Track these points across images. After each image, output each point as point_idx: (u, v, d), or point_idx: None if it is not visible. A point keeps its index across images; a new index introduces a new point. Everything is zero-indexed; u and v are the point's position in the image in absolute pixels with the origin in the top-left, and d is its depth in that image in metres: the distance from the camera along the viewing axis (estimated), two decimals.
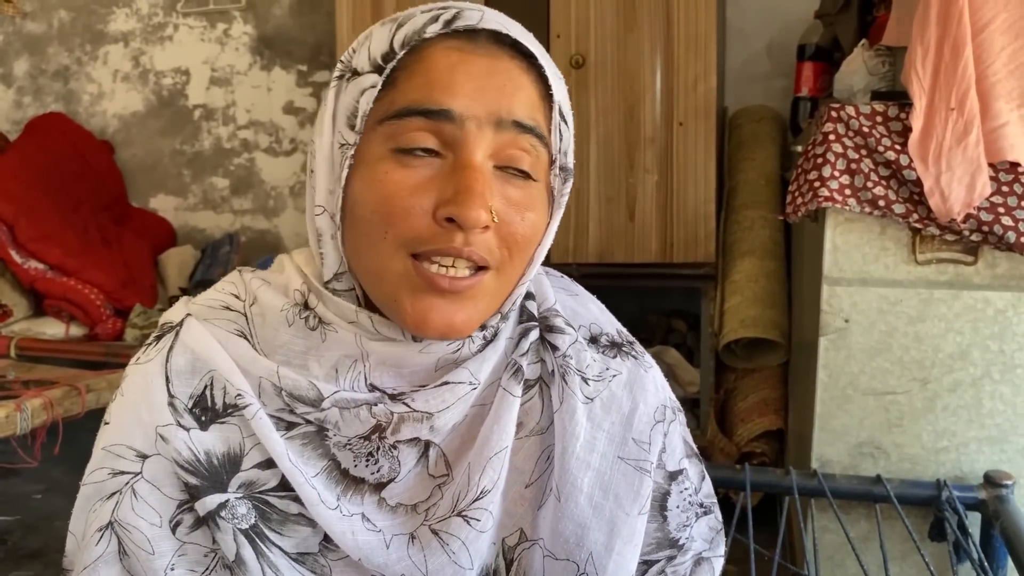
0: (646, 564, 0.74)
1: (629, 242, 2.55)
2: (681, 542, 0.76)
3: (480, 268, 0.65)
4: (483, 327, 0.70)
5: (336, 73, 0.68)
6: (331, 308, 0.68)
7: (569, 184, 0.71)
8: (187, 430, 0.67)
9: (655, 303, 3.01)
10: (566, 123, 0.70)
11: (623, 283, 2.66)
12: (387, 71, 0.64)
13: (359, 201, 0.65)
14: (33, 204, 2.97)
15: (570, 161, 0.71)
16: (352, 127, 0.65)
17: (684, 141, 2.48)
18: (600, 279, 2.55)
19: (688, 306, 2.91)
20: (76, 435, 1.93)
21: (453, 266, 0.64)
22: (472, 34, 0.64)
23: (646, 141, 2.51)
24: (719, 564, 0.79)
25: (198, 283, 3.15)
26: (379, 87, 0.64)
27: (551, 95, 0.68)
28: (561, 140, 0.69)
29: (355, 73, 0.66)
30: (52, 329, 2.95)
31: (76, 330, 2.96)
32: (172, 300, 3.16)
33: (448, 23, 0.64)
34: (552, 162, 0.69)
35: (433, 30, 0.64)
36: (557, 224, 0.71)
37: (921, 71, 1.49)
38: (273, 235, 3.49)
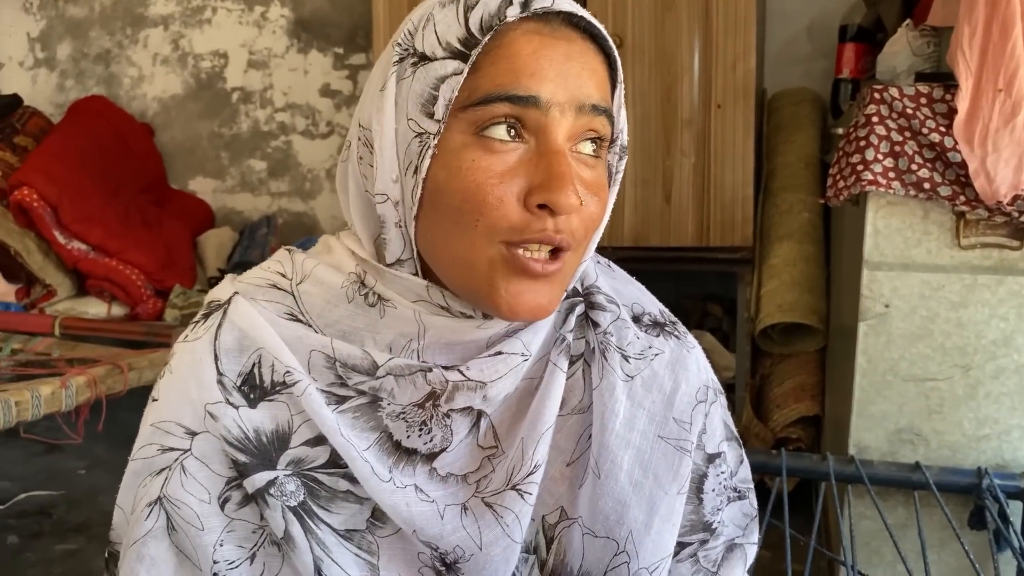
0: (679, 545, 0.74)
1: (665, 225, 2.53)
2: (714, 526, 0.76)
3: (559, 249, 0.65)
4: None
5: (394, 56, 0.66)
6: (393, 286, 0.68)
7: (624, 161, 0.72)
8: (236, 408, 0.67)
9: (691, 287, 2.99)
10: (623, 103, 0.71)
11: (658, 267, 2.64)
12: (472, 57, 0.63)
13: (443, 190, 0.64)
14: (76, 186, 3.02)
15: (626, 138, 0.72)
16: (430, 115, 0.64)
17: (722, 123, 2.45)
18: (635, 263, 2.52)
19: (724, 291, 2.89)
20: (118, 413, 1.97)
21: (539, 249, 0.64)
22: (547, 17, 0.64)
23: (683, 123, 2.48)
24: (752, 551, 0.78)
25: (236, 264, 3.19)
26: (463, 73, 0.63)
27: (614, 75, 0.68)
28: (620, 120, 0.70)
29: (424, 58, 0.65)
30: (94, 308, 3.00)
31: (117, 310, 3.01)
32: (211, 281, 3.20)
33: (525, 5, 0.63)
34: (613, 141, 0.69)
35: (512, 13, 0.63)
36: (613, 201, 0.72)
37: (968, 51, 1.46)
38: (310, 217, 3.52)
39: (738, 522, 0.78)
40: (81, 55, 3.75)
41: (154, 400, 0.70)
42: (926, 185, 1.50)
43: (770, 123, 2.69)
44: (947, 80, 1.52)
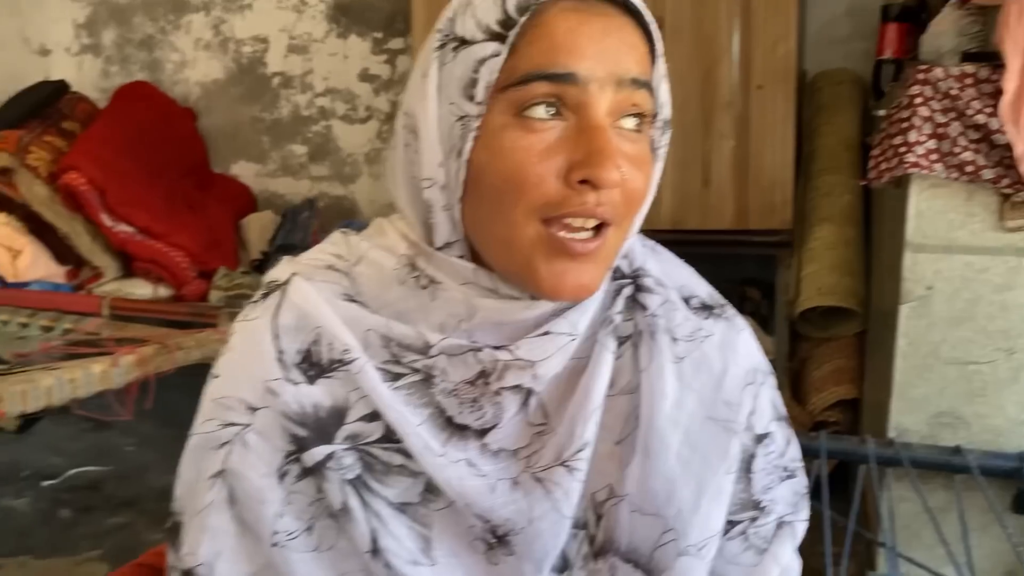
0: (730, 524, 0.75)
1: (704, 208, 2.52)
2: (763, 504, 0.76)
3: (602, 226, 0.66)
4: None
5: (435, 43, 0.68)
6: (442, 269, 0.70)
7: (667, 136, 0.72)
8: (295, 384, 0.70)
9: (729, 271, 2.97)
10: (665, 76, 0.71)
11: (696, 250, 2.60)
12: (510, 39, 0.64)
13: (485, 172, 0.65)
14: (122, 170, 3.08)
15: (668, 113, 0.72)
16: (471, 98, 0.65)
17: (762, 105, 2.44)
18: (673, 246, 2.50)
19: (763, 274, 2.88)
20: (165, 391, 2.02)
21: (582, 228, 0.65)
22: None
23: (723, 105, 2.47)
24: (802, 528, 0.79)
25: (279, 247, 3.23)
26: (503, 55, 0.64)
27: (654, 49, 0.69)
28: (662, 94, 0.70)
29: (463, 42, 0.66)
30: (141, 290, 3.06)
31: (163, 291, 3.07)
32: (254, 263, 3.25)
33: None
34: (655, 115, 0.70)
35: None
36: (658, 177, 0.72)
37: (1016, 30, 1.44)
38: (349, 201, 3.55)
39: (789, 500, 0.78)
40: (125, 41, 3.81)
41: (215, 377, 0.73)
42: (969, 168, 1.48)
43: (811, 105, 2.66)
44: (994, 60, 1.50)
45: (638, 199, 0.68)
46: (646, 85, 0.66)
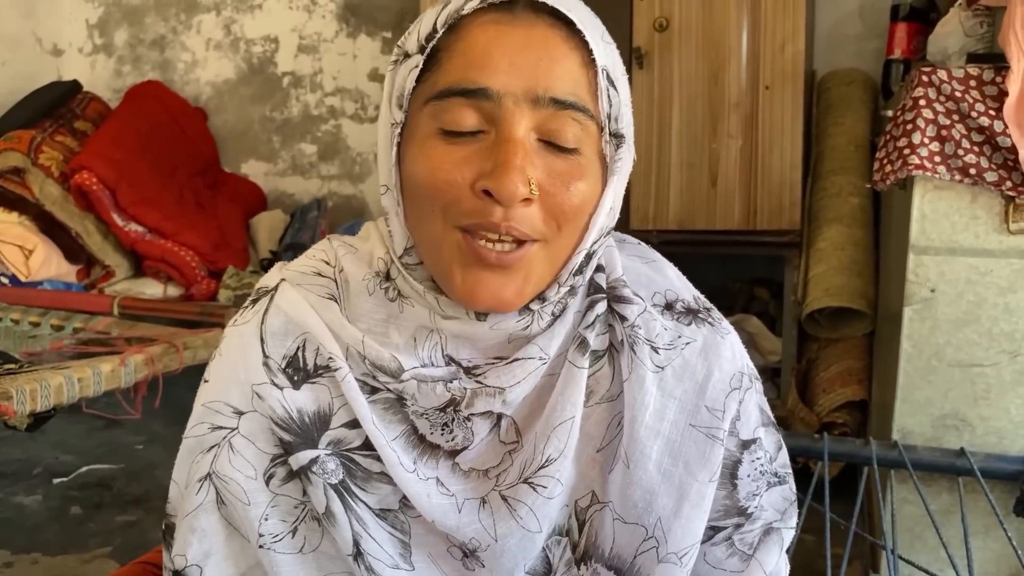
0: (713, 529, 0.75)
1: (711, 209, 2.52)
2: (750, 511, 0.76)
3: (523, 241, 0.66)
4: (542, 299, 0.70)
5: (392, 58, 0.70)
6: (407, 283, 0.71)
7: (624, 149, 0.69)
8: (281, 389, 0.71)
9: (737, 271, 2.98)
10: (615, 87, 0.68)
11: (705, 250, 2.63)
12: (428, 50, 0.65)
13: (411, 176, 0.67)
14: (133, 169, 3.11)
15: (623, 126, 0.69)
16: (400, 107, 0.68)
17: (770, 105, 2.43)
18: (681, 246, 2.54)
19: (771, 274, 2.87)
20: (174, 390, 2.04)
21: (500, 240, 0.65)
22: (510, 5, 0.64)
23: (731, 105, 2.47)
24: (789, 536, 0.78)
25: (288, 246, 3.25)
26: (420, 66, 0.66)
27: (594, 60, 0.66)
28: (610, 106, 0.67)
29: (406, 55, 0.68)
30: (151, 289, 3.09)
31: (173, 290, 3.10)
32: (263, 263, 3.27)
33: None
34: (602, 129, 0.68)
35: (471, 6, 0.64)
36: (616, 191, 0.70)
37: (1020, 32, 1.43)
38: (359, 200, 3.57)
39: (777, 506, 0.78)
40: (137, 41, 3.84)
41: (205, 381, 0.74)
42: (972, 170, 1.48)
43: (819, 105, 2.65)
44: (999, 62, 1.50)
45: (569, 215, 0.66)
46: (572, 106, 0.64)
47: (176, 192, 3.26)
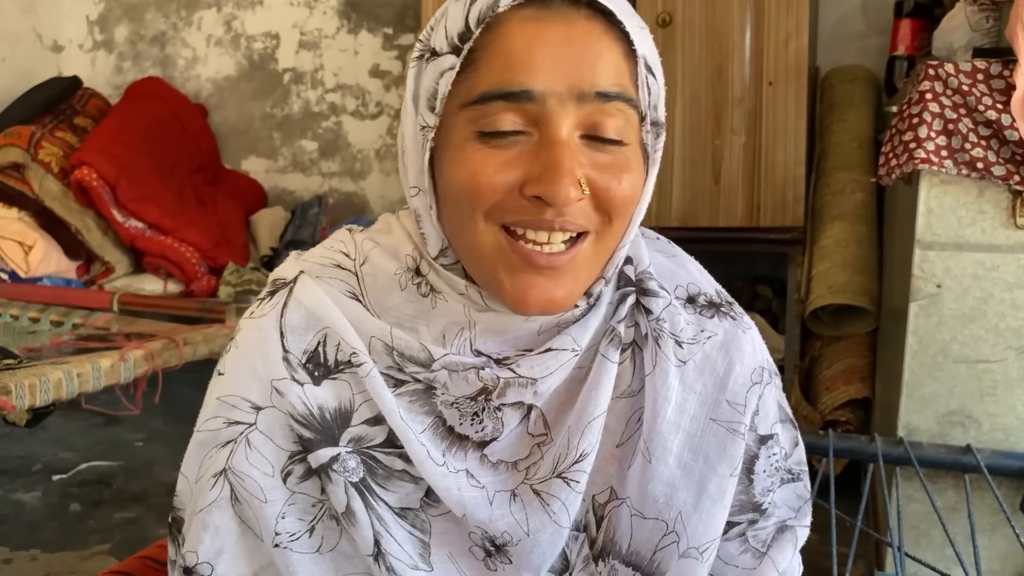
0: (728, 524, 0.74)
1: (714, 205, 2.51)
2: (764, 506, 0.75)
3: (578, 235, 0.64)
4: (587, 294, 0.69)
5: (416, 53, 0.68)
6: (442, 279, 0.69)
7: (662, 139, 0.69)
8: (301, 384, 0.69)
9: (740, 268, 2.97)
10: (654, 76, 0.67)
11: (707, 247, 2.60)
12: (464, 52, 0.63)
13: (449, 181, 0.65)
14: (133, 166, 3.10)
15: (661, 115, 0.68)
16: (432, 109, 0.65)
17: (773, 102, 2.43)
18: (683, 243, 2.51)
19: (774, 272, 2.86)
20: (173, 386, 2.03)
21: (548, 241, 0.63)
22: (546, 0, 0.62)
23: (734, 102, 2.46)
24: (803, 534, 0.77)
25: (288, 243, 3.24)
26: (457, 68, 0.63)
27: (634, 50, 0.65)
28: (650, 95, 0.66)
29: (434, 53, 0.65)
30: (151, 285, 3.08)
31: (173, 286, 3.09)
32: (263, 259, 3.26)
33: None
34: (643, 119, 0.66)
35: (506, 2, 0.62)
36: (654, 181, 0.70)
37: None
38: (360, 197, 3.56)
39: (791, 504, 0.77)
40: (138, 37, 3.83)
41: (220, 374, 0.72)
42: (979, 164, 1.47)
43: (823, 101, 2.64)
44: (1006, 56, 1.49)
45: (620, 206, 0.65)
46: (618, 96, 0.63)
47: (176, 188, 3.25)
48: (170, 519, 0.74)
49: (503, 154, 0.63)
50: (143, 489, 2.42)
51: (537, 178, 0.62)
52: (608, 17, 0.63)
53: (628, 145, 0.65)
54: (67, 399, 1.76)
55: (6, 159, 3.05)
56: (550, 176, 0.61)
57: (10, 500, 2.34)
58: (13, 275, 2.95)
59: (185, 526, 0.71)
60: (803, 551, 0.79)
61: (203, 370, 0.74)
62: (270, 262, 3.22)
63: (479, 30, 0.62)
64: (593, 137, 0.63)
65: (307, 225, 3.28)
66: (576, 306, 0.69)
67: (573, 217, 0.63)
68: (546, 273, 0.64)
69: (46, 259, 3.03)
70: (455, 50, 0.63)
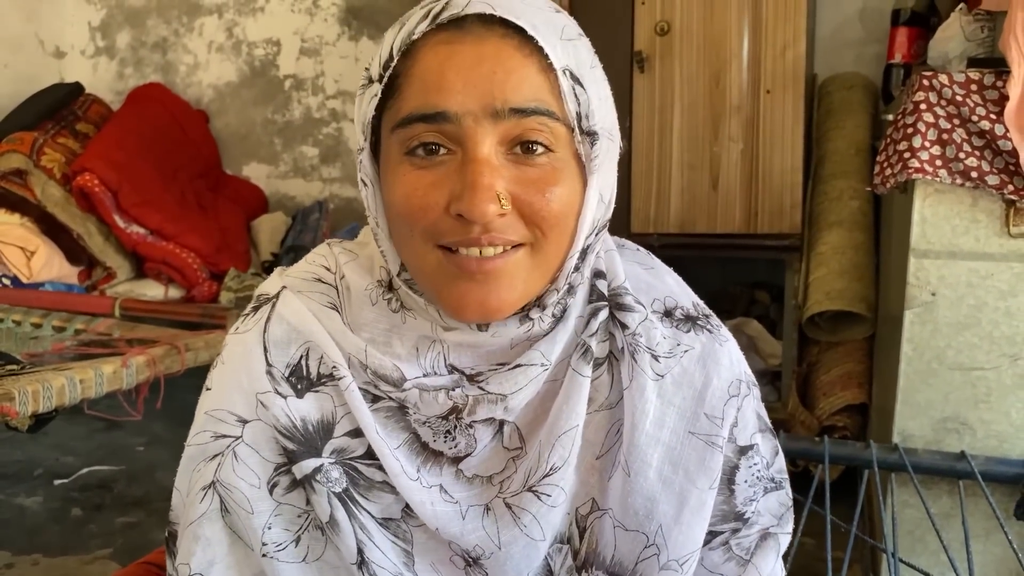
0: (710, 534, 0.75)
1: (712, 212, 2.53)
2: (746, 516, 0.76)
3: (513, 246, 0.65)
4: (541, 306, 0.70)
5: (361, 80, 0.70)
6: (409, 296, 0.71)
7: (600, 144, 0.67)
8: (284, 397, 0.71)
9: (738, 274, 2.98)
10: (581, 85, 0.66)
11: (705, 253, 2.63)
12: (386, 78, 0.65)
13: (389, 203, 0.67)
14: (135, 171, 3.11)
15: (597, 123, 0.67)
16: (363, 135, 0.68)
17: (771, 109, 2.44)
18: (681, 249, 2.54)
19: (772, 277, 2.88)
20: (175, 392, 2.04)
21: (480, 255, 0.65)
22: (460, 22, 0.63)
23: (732, 109, 2.47)
24: (786, 541, 0.78)
25: (289, 248, 3.26)
26: (379, 95, 0.66)
27: (551, 64, 0.64)
28: (579, 104, 0.65)
29: (370, 81, 0.68)
30: (152, 291, 3.09)
31: (174, 292, 3.10)
32: (264, 265, 3.27)
33: (435, 17, 0.64)
34: (572, 130, 0.66)
35: (422, 28, 0.64)
36: (601, 186, 0.69)
37: (1021, 36, 1.44)
38: (360, 203, 3.55)
39: (774, 512, 0.78)
40: (139, 43, 3.85)
41: (207, 389, 0.74)
42: (973, 173, 1.48)
43: (820, 109, 2.66)
44: (1000, 66, 1.50)
45: (549, 219, 0.65)
46: (535, 111, 0.63)
47: (178, 194, 3.26)
48: (167, 533, 0.75)
49: (431, 175, 0.65)
50: (144, 493, 2.43)
51: (458, 196, 0.63)
52: (522, 33, 0.64)
53: (555, 158, 0.65)
54: (70, 405, 1.78)
55: (9, 165, 3.06)
56: (468, 194, 0.62)
57: (12, 505, 2.35)
58: (15, 280, 2.97)
59: (179, 538, 0.73)
60: (798, 556, 0.80)
61: (204, 375, 0.76)
62: (271, 267, 3.23)
63: (399, 56, 0.65)
64: (516, 153, 0.64)
65: (308, 230, 3.30)
66: (543, 319, 0.70)
67: (501, 232, 0.64)
68: (479, 279, 0.65)
69: (48, 264, 3.04)
70: (379, 78, 0.66)
